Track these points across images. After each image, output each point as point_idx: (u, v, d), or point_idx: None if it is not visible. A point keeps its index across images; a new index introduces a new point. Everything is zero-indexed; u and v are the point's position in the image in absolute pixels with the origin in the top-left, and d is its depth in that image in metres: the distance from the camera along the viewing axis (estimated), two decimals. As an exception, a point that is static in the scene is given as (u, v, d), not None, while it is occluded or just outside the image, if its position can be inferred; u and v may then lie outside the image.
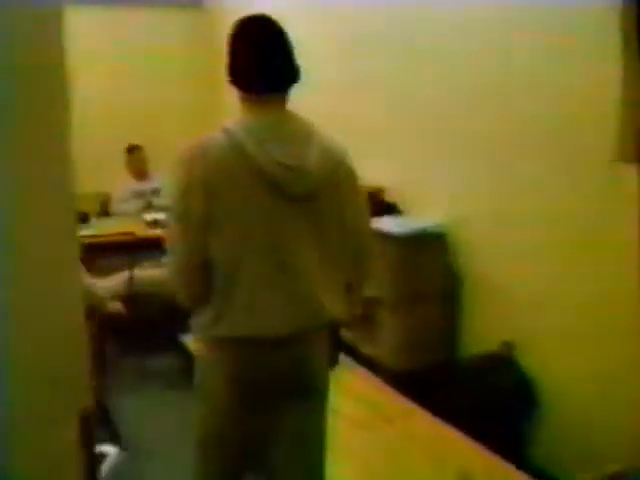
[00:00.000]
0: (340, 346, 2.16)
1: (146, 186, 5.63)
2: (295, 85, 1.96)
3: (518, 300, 3.23)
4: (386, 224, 3.53)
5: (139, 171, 5.69)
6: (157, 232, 4.29)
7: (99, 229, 4.57)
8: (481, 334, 3.46)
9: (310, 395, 2.03)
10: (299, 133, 1.92)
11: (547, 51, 2.92)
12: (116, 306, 3.38)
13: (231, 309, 1.88)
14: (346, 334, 3.92)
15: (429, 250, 3.51)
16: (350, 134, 4.55)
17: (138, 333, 4.44)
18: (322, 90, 4.60)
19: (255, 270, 1.88)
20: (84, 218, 4.63)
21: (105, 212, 5.69)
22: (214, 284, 1.90)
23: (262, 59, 1.92)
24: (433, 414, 3.04)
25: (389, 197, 4.03)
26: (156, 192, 5.52)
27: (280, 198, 1.87)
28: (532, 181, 3.08)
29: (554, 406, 3.04)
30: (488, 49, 3.26)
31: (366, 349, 3.77)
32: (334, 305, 1.97)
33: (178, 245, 1.91)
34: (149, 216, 4.85)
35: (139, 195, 5.56)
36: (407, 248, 3.43)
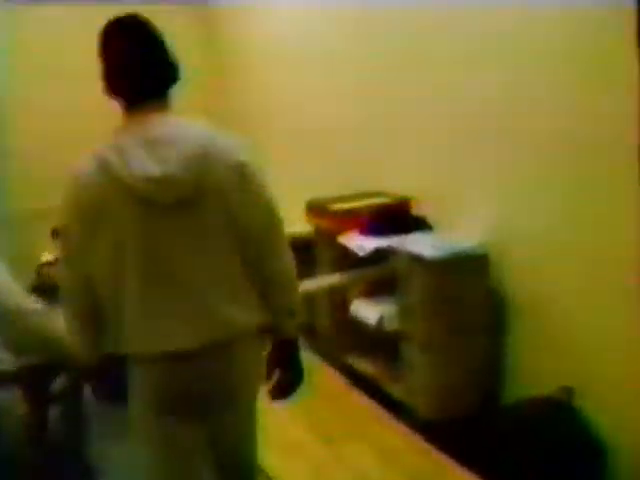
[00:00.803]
0: (293, 364, 2.00)
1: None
2: (173, 85, 1.90)
3: (580, 337, 2.66)
4: (416, 244, 2.98)
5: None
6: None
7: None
8: (532, 376, 2.89)
9: (230, 409, 1.99)
10: (171, 139, 1.83)
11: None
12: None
13: (124, 329, 1.84)
14: (367, 369, 3.46)
15: (469, 275, 2.93)
16: (371, 136, 3.96)
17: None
18: (339, 92, 4.16)
19: (139, 288, 1.83)
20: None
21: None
22: (106, 311, 1.87)
23: (123, 68, 1.86)
24: (472, 471, 2.67)
25: (418, 209, 3.46)
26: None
27: (154, 211, 1.81)
28: (604, 192, 2.51)
29: (623, 465, 2.52)
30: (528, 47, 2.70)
31: (392, 389, 3.23)
32: (245, 314, 1.89)
33: (63, 264, 1.90)
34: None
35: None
36: (443, 273, 2.85)
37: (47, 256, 4.06)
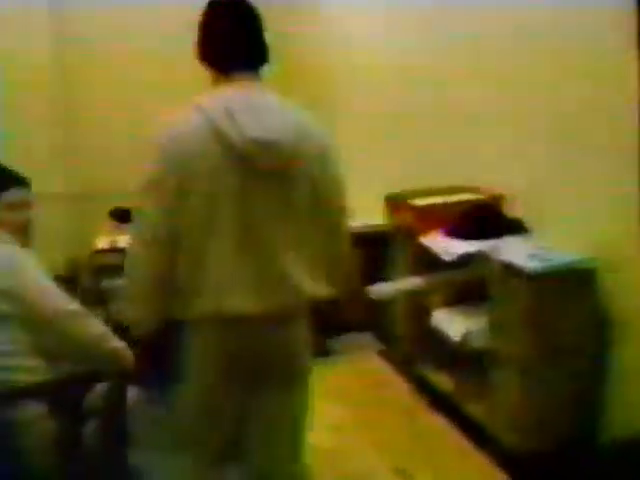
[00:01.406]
0: (329, 333, 2.20)
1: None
2: (266, 65, 2.00)
3: None
4: (511, 251, 2.61)
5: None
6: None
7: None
8: (638, 410, 2.50)
9: (288, 379, 2.04)
10: (273, 109, 1.94)
11: None
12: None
13: (200, 290, 1.88)
14: (445, 385, 3.13)
15: (572, 291, 2.53)
16: (459, 123, 3.53)
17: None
18: (423, 73, 3.76)
19: (223, 249, 1.87)
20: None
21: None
22: (181, 267, 1.87)
23: (232, 38, 1.98)
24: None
25: (511, 210, 3.08)
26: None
27: (251, 174, 1.88)
28: None
29: None
30: None
31: (472, 410, 2.88)
32: (311, 283, 1.96)
33: (145, 216, 1.87)
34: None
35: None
36: (543, 288, 2.47)
37: (103, 241, 3.83)
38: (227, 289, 1.88)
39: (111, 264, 3.37)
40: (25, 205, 2.32)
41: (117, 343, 2.20)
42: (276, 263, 1.91)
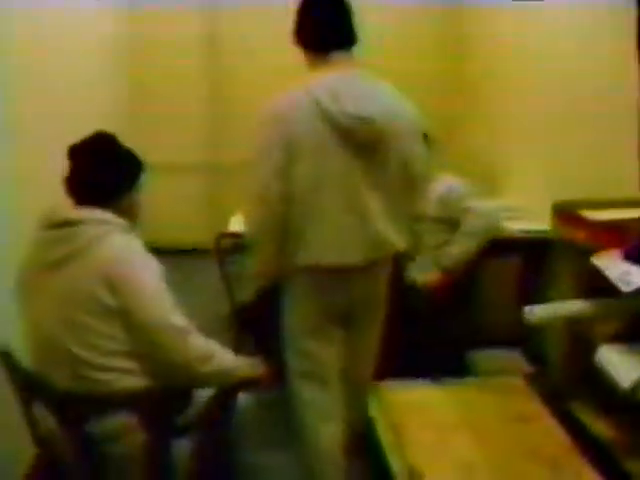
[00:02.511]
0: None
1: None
2: (356, 46, 2.33)
3: None
4: None
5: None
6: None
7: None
8: None
9: (374, 309, 2.55)
10: (367, 87, 2.28)
11: None
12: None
13: (308, 241, 2.25)
14: (603, 432, 2.63)
15: None
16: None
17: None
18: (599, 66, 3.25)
19: (329, 209, 2.25)
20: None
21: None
22: (290, 219, 2.24)
23: (327, 21, 2.30)
24: None
25: None
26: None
27: (350, 145, 2.23)
28: None
29: None
30: None
31: (636, 469, 2.40)
32: (397, 238, 2.40)
33: (258, 179, 2.22)
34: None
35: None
36: None
37: (236, 224, 3.59)
38: (330, 243, 2.26)
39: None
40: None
41: (222, 361, 1.98)
42: (370, 222, 2.29)
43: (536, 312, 2.57)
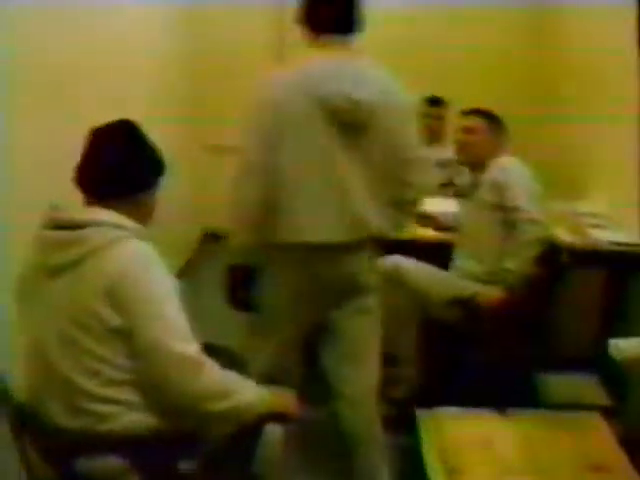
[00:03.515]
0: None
1: (442, 154, 4.63)
2: (358, 34, 2.40)
3: None
4: None
5: (434, 132, 4.91)
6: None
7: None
8: None
9: (357, 293, 2.50)
10: (358, 71, 2.32)
11: None
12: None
13: (288, 218, 2.30)
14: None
15: None
16: None
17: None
18: None
19: (312, 186, 2.29)
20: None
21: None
22: (275, 196, 2.28)
23: (332, 5, 2.34)
24: None
25: None
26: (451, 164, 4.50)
27: (337, 125, 2.28)
28: None
29: None
30: None
31: None
32: (378, 220, 2.40)
33: (246, 152, 2.30)
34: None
35: (440, 165, 4.63)
36: None
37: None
38: (312, 220, 2.28)
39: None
40: None
41: (242, 396, 1.68)
42: (353, 201, 2.31)
43: (621, 347, 2.19)
